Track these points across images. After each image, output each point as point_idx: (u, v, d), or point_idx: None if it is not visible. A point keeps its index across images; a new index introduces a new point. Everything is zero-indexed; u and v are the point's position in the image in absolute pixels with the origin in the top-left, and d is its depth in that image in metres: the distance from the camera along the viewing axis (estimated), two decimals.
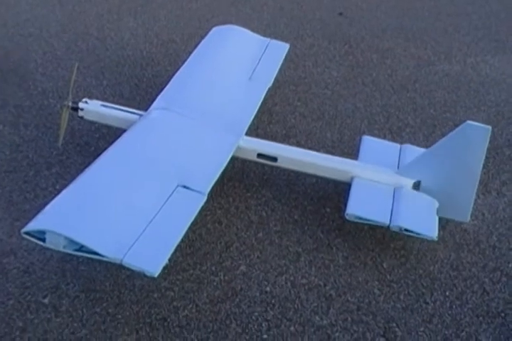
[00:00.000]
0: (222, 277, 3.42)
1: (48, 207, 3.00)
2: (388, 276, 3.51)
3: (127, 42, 5.93)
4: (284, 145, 4.07)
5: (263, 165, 4.07)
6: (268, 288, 3.38)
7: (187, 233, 3.55)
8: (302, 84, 5.41)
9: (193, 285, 3.35)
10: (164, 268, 3.32)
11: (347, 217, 3.56)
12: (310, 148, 4.24)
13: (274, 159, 3.91)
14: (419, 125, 4.91)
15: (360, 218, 3.55)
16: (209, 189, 3.37)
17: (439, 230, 3.60)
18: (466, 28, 6.85)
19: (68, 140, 4.36)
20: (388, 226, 3.51)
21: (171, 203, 3.19)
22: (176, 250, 3.44)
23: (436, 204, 3.69)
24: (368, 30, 6.61)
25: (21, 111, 4.71)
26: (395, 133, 4.78)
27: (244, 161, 4.08)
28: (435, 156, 3.70)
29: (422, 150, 3.98)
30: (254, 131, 4.59)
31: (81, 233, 2.88)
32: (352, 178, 3.80)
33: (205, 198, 3.30)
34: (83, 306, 3.19)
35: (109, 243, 2.87)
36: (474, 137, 3.51)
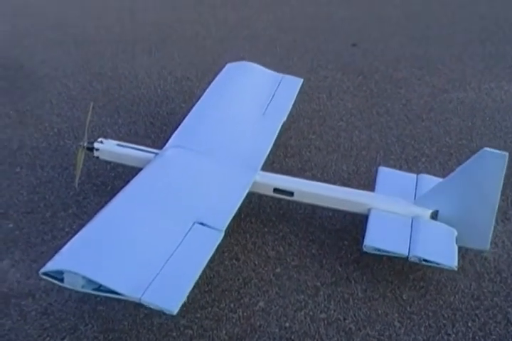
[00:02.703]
0: (240, 314, 3.40)
1: (65, 247, 3.01)
2: (408, 308, 3.46)
3: (141, 80, 5.99)
4: (300, 179, 4.07)
5: (279, 199, 4.07)
6: (287, 324, 3.35)
7: (204, 270, 3.54)
8: (317, 117, 5.42)
9: (211, 323, 3.33)
10: (183, 305, 3.31)
11: (365, 249, 3.53)
12: (326, 181, 4.24)
13: (291, 193, 3.90)
14: (435, 154, 4.89)
15: (379, 250, 3.52)
16: (226, 225, 3.37)
17: (458, 259, 3.57)
18: (480, 55, 6.86)
19: (84, 180, 4.39)
20: (407, 257, 3.48)
21: (188, 240, 3.19)
22: (193, 287, 3.44)
23: (455, 233, 3.65)
24: (382, 61, 6.63)
25: (38, 153, 4.76)
26: (411, 163, 4.76)
27: (260, 196, 4.08)
28: (452, 185, 3.68)
29: (439, 179, 3.95)
30: (269, 165, 4.59)
31: (99, 272, 2.89)
32: (369, 210, 3.78)
33: (222, 235, 3.30)
34: None
35: (127, 281, 2.87)
36: (492, 164, 3.49)
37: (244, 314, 3.40)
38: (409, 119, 5.44)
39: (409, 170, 4.52)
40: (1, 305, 3.39)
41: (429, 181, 4.01)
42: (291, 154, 4.84)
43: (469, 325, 3.38)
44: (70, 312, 3.35)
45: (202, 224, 3.32)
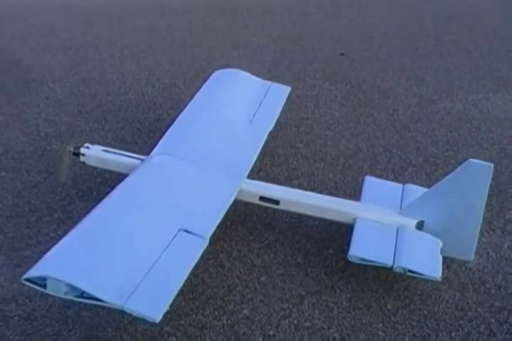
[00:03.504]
0: (224, 321, 3.38)
1: (48, 254, 2.99)
2: (393, 318, 3.46)
3: (129, 86, 5.99)
4: (286, 187, 4.07)
5: (266, 208, 4.06)
6: (271, 332, 3.34)
7: (189, 277, 3.53)
8: (304, 125, 5.43)
9: (195, 330, 3.31)
10: (166, 313, 3.29)
11: (350, 259, 3.53)
12: (313, 190, 4.25)
13: (277, 202, 3.90)
14: (421, 164, 4.91)
15: (363, 259, 3.52)
16: (211, 233, 3.35)
17: (443, 269, 3.57)
18: (468, 66, 6.91)
19: (70, 185, 4.38)
20: (392, 268, 3.48)
21: (172, 248, 3.17)
22: (178, 294, 3.42)
23: (440, 244, 3.65)
24: (370, 71, 6.67)
25: (24, 157, 4.74)
26: (398, 173, 4.77)
27: (246, 204, 4.07)
28: (438, 195, 3.69)
29: (424, 189, 3.97)
30: (256, 173, 4.60)
31: (82, 279, 2.86)
32: (354, 219, 3.79)
33: (206, 242, 3.29)
34: None
35: (110, 289, 2.85)
36: (477, 175, 3.50)
37: (229, 321, 3.38)
38: (396, 129, 5.46)
39: (396, 179, 4.53)
40: None
41: (415, 191, 4.02)
42: (278, 162, 4.84)
43: (453, 335, 3.38)
44: (54, 318, 3.32)
45: (187, 231, 3.31)
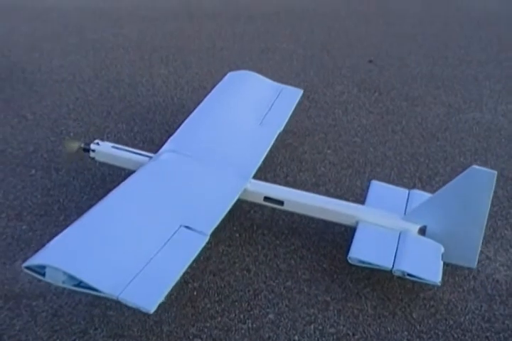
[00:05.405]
0: (250, 325, 3.38)
1: (50, 243, 3.05)
2: (418, 327, 3.45)
3: (159, 89, 6.02)
4: (291, 189, 4.08)
5: (292, 213, 4.07)
6: (296, 337, 3.33)
7: (215, 280, 3.57)
8: (332, 132, 5.43)
9: (220, 333, 3.32)
10: (192, 314, 3.33)
11: (350, 261, 3.54)
12: (339, 197, 4.26)
13: (281, 203, 3.92)
14: (449, 173, 4.88)
15: (363, 262, 3.53)
16: (211, 230, 3.36)
17: (470, 280, 3.55)
18: (497, 76, 6.87)
19: (99, 185, 4.41)
20: (391, 271, 3.47)
21: (172, 243, 3.20)
22: (204, 297, 3.47)
23: (442, 250, 3.63)
24: (398, 78, 6.66)
25: (53, 156, 4.78)
26: (425, 182, 4.75)
27: (273, 209, 4.08)
28: (441, 201, 3.67)
29: (430, 195, 3.96)
30: (284, 178, 4.61)
31: (79, 269, 2.90)
32: (357, 222, 3.80)
33: (206, 239, 3.29)
34: None
35: (107, 279, 2.88)
36: (480, 182, 3.48)
37: (254, 325, 3.39)
38: (424, 138, 5.44)
39: (423, 188, 4.51)
40: (13, 305, 3.40)
41: (421, 197, 4.00)
42: (305, 168, 4.84)
43: None
44: (80, 316, 3.35)
45: (188, 227, 3.33)
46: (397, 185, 4.40)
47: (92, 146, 4.16)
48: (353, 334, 3.38)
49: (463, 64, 7.17)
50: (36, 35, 7.28)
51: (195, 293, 3.54)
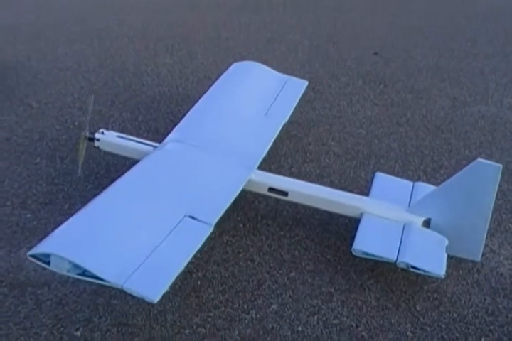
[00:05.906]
0: (253, 315, 3.39)
1: (55, 232, 3.05)
2: (421, 319, 3.45)
3: (163, 78, 6.01)
4: (296, 180, 4.08)
5: (296, 204, 4.07)
6: (300, 328, 3.34)
7: (219, 270, 3.57)
8: (337, 123, 5.42)
9: (224, 323, 3.33)
10: (196, 304, 3.34)
11: (353, 253, 3.55)
12: (343, 188, 4.25)
13: (285, 193, 3.92)
14: (453, 166, 4.87)
15: (367, 254, 3.54)
16: (216, 220, 3.36)
17: (474, 273, 3.55)
18: (504, 69, 6.85)
19: (103, 174, 4.42)
20: (395, 263, 3.48)
21: (176, 232, 3.20)
22: (207, 287, 3.47)
23: (446, 242, 3.64)
24: (404, 70, 6.64)
25: (58, 145, 4.78)
26: (430, 175, 4.75)
27: (277, 200, 4.08)
28: (445, 194, 3.68)
29: (434, 188, 3.96)
30: (288, 169, 4.61)
31: (84, 257, 2.91)
32: (361, 214, 3.80)
33: (211, 229, 3.29)
34: (114, 340, 3.19)
35: (111, 268, 2.89)
36: (485, 175, 3.48)
37: (258, 316, 3.39)
38: (429, 130, 5.43)
39: (428, 181, 4.50)
40: (18, 293, 3.41)
41: (425, 189, 4.02)
42: (310, 159, 4.84)
43: (482, 340, 3.35)
44: (85, 304, 3.36)
45: (192, 217, 3.32)
46: (401, 177, 4.40)
47: (97, 135, 4.16)
48: (357, 326, 3.38)
49: (469, 57, 7.15)
50: (40, 24, 7.26)
51: (199, 283, 3.55)
